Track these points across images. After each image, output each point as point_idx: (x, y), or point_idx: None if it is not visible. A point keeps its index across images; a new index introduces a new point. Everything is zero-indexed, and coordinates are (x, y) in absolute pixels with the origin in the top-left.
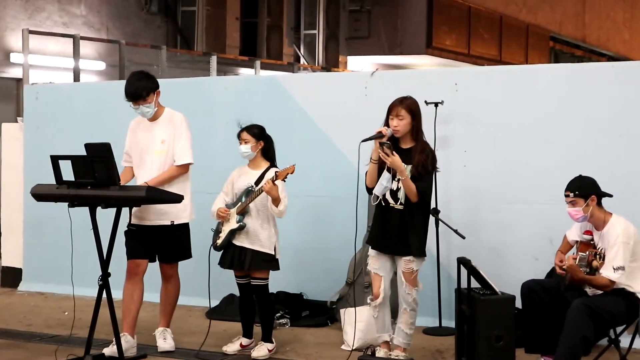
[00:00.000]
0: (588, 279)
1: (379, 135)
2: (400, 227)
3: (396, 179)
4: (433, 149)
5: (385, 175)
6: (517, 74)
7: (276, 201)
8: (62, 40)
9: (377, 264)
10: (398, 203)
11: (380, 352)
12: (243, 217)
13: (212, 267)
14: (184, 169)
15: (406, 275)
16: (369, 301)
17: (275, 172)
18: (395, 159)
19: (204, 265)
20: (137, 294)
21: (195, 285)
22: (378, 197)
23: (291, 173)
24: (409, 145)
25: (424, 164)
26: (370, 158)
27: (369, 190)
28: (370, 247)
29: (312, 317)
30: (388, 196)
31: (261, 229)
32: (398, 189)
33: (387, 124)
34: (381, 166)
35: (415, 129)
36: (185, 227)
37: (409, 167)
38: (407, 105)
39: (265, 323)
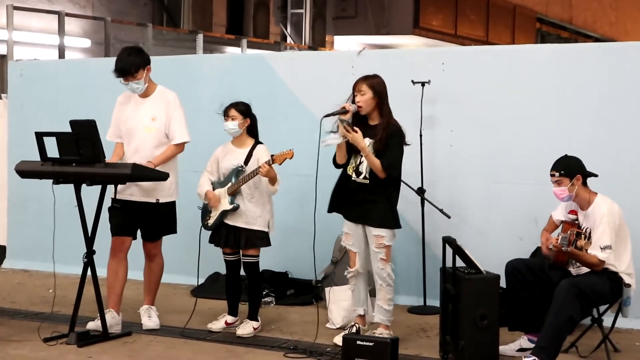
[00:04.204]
0: (577, 253)
1: (343, 111)
2: (366, 198)
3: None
4: (399, 125)
5: (336, 135)
6: (504, 54)
7: (273, 180)
8: (47, 16)
9: (350, 240)
10: (361, 177)
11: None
12: (235, 197)
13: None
14: (181, 147)
15: (378, 250)
16: (345, 273)
17: (272, 155)
18: (355, 136)
19: (190, 244)
20: (122, 271)
21: (180, 263)
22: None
23: (290, 158)
24: (375, 122)
25: (385, 139)
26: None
27: (337, 166)
28: (345, 221)
29: (297, 296)
30: (351, 171)
31: (254, 208)
32: (361, 162)
33: (354, 101)
34: (349, 142)
35: (380, 105)
36: (170, 205)
37: (372, 142)
38: (369, 82)
39: (253, 300)
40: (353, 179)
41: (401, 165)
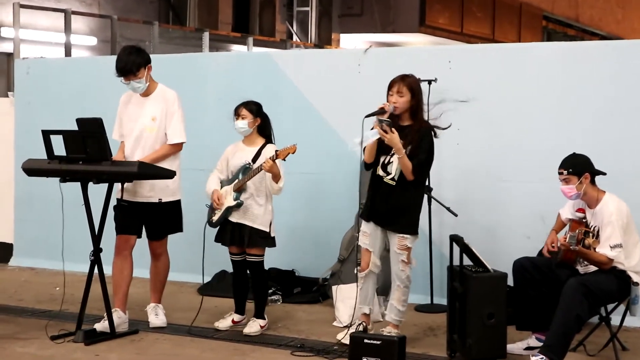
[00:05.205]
0: (585, 252)
1: (381, 111)
2: (392, 202)
3: (390, 154)
4: (431, 126)
5: (375, 131)
6: (511, 52)
7: (276, 177)
8: (54, 14)
9: (368, 239)
10: (389, 177)
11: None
12: (240, 194)
13: (205, 244)
14: (177, 147)
15: (400, 252)
16: (355, 271)
17: (276, 150)
18: (393, 137)
19: (196, 242)
20: (127, 269)
21: (186, 261)
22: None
23: (292, 153)
24: (407, 123)
25: (418, 143)
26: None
27: (367, 166)
28: (363, 221)
29: (304, 294)
30: (379, 168)
31: (258, 206)
32: (390, 162)
33: (387, 100)
34: (380, 142)
35: (415, 107)
36: (174, 204)
37: (404, 143)
38: (408, 83)
39: (258, 299)
40: (381, 175)
41: (427, 168)
